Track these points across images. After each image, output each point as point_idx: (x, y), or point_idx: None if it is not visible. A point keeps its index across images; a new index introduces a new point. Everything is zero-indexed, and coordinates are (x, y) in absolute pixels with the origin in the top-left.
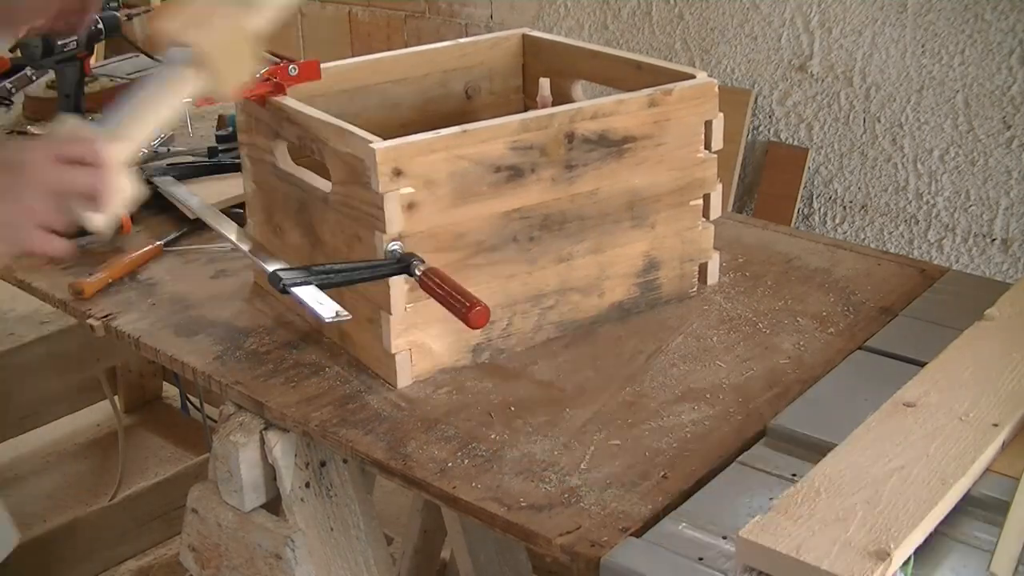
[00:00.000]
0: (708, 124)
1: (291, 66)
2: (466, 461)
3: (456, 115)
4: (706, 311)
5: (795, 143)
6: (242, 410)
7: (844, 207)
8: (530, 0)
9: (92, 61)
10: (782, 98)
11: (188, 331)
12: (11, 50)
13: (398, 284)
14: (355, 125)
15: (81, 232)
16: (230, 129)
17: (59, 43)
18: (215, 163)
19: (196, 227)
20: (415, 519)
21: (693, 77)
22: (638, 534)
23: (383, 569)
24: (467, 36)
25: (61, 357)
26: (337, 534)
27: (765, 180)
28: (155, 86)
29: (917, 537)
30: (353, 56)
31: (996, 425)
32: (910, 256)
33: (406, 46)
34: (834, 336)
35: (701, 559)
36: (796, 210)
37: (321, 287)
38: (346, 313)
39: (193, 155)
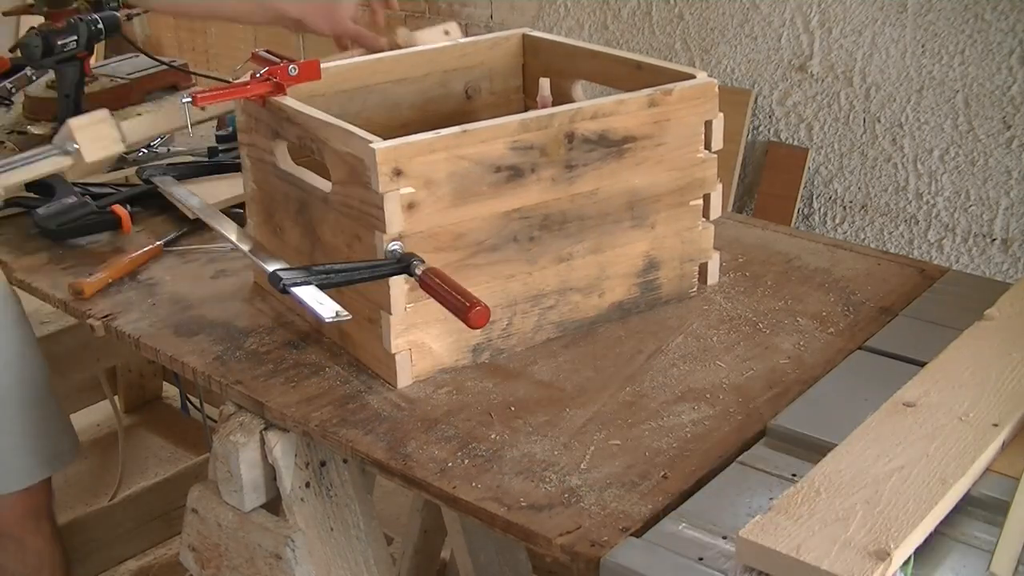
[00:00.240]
0: (708, 124)
1: (291, 66)
2: (466, 461)
3: (456, 115)
4: (706, 311)
5: (795, 143)
6: (242, 410)
7: (844, 207)
8: (530, 0)
9: (92, 61)
10: (782, 98)
11: (188, 331)
12: (11, 50)
13: (398, 284)
14: (355, 125)
15: (82, 232)
16: (230, 129)
17: (59, 43)
18: (215, 163)
19: (196, 227)
20: (415, 519)
21: (693, 77)
22: (638, 534)
23: (383, 569)
24: (467, 36)
25: (61, 357)
26: (337, 534)
27: (765, 180)
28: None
29: (917, 537)
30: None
31: (996, 425)
32: (910, 256)
33: None
34: (834, 336)
35: (701, 559)
36: (796, 210)
37: (321, 287)
38: (346, 313)
39: (193, 155)
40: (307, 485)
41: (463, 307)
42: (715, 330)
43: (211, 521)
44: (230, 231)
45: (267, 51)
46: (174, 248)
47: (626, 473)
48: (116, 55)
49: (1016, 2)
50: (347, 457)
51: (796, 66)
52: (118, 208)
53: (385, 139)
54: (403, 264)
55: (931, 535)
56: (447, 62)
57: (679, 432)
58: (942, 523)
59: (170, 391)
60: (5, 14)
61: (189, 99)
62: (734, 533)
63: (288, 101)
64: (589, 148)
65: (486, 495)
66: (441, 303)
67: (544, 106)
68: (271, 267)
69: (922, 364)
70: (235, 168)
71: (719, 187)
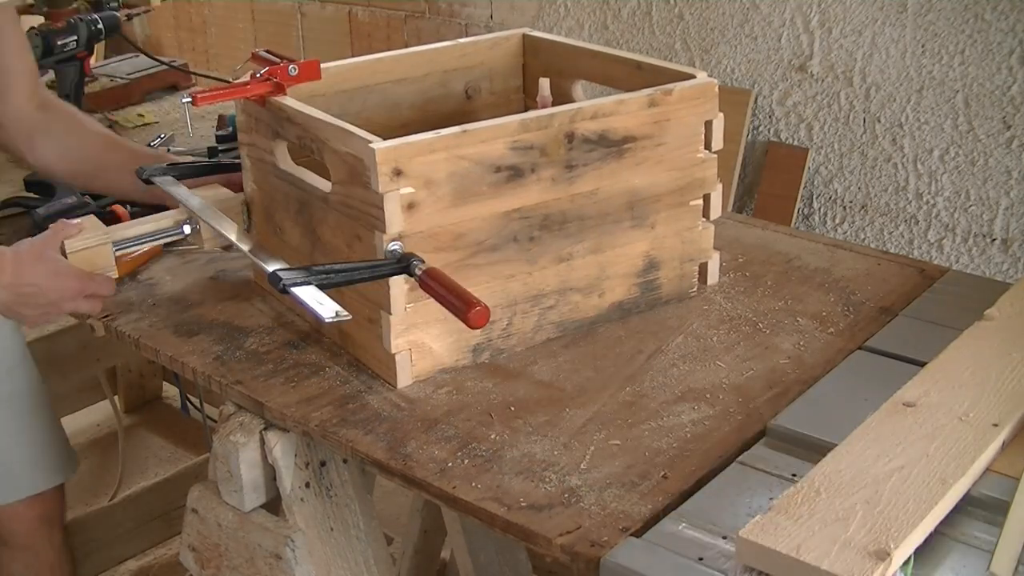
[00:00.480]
0: (708, 124)
1: (291, 66)
2: (466, 461)
3: (456, 115)
4: (706, 311)
5: (795, 143)
6: (242, 410)
7: (844, 207)
8: (530, 0)
9: (92, 61)
10: (782, 98)
11: (188, 331)
12: None
13: (398, 284)
14: (355, 125)
15: None
16: (230, 129)
17: (59, 43)
18: (215, 163)
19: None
20: (415, 519)
21: (693, 77)
22: (638, 534)
23: (383, 569)
24: (467, 36)
25: (61, 357)
26: (337, 534)
27: (765, 180)
28: None
29: (917, 537)
30: (353, 56)
31: (996, 425)
32: (910, 256)
33: (406, 46)
34: (834, 336)
35: (701, 559)
36: (796, 210)
37: (321, 287)
38: (346, 313)
39: (193, 155)
40: (307, 485)
41: (463, 307)
42: (715, 330)
43: (211, 521)
44: (230, 231)
45: (267, 51)
46: (174, 248)
47: (626, 473)
48: (116, 55)
49: (1016, 2)
50: (347, 457)
51: (796, 66)
52: (118, 208)
53: (385, 139)
54: (403, 264)
55: (931, 535)
56: (447, 62)
57: (679, 432)
58: (942, 523)
59: (170, 391)
60: None
61: (189, 99)
62: (734, 533)
63: (288, 101)
64: (589, 148)
65: (486, 495)
66: (441, 303)
67: (544, 106)
68: (271, 267)
69: (922, 364)
70: (235, 168)
71: (719, 187)
